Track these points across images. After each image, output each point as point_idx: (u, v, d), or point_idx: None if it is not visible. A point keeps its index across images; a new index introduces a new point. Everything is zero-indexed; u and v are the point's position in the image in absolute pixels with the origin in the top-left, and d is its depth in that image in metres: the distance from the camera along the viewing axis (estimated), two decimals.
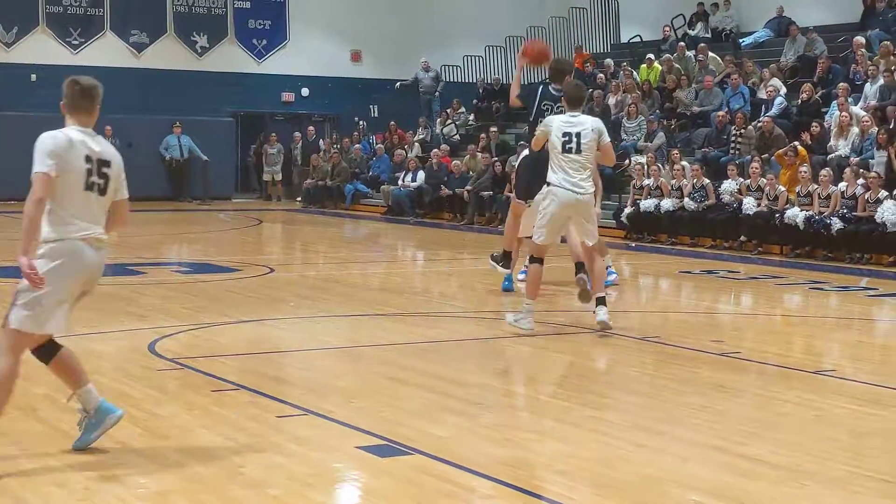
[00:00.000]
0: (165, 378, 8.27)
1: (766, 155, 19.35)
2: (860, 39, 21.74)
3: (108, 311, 11.19)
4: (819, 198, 17.29)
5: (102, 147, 6.17)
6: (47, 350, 6.16)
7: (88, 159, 6.02)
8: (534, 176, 11.08)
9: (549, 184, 10.00)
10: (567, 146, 9.82)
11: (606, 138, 10.23)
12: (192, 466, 6.03)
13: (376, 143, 29.37)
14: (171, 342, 9.67)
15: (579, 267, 11.11)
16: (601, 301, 10.31)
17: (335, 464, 6.16)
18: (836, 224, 16.68)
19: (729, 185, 18.78)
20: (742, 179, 18.78)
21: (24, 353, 6.05)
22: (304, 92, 31.73)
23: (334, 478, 6.00)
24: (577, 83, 10.78)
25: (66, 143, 5.95)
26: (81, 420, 6.25)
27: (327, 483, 5.90)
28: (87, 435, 6.22)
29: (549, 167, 10.00)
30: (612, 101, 24.90)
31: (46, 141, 5.91)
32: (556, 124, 9.98)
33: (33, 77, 28.47)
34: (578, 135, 9.85)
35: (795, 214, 17.24)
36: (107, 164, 6.13)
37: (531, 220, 10.86)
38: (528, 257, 10.40)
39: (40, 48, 28.84)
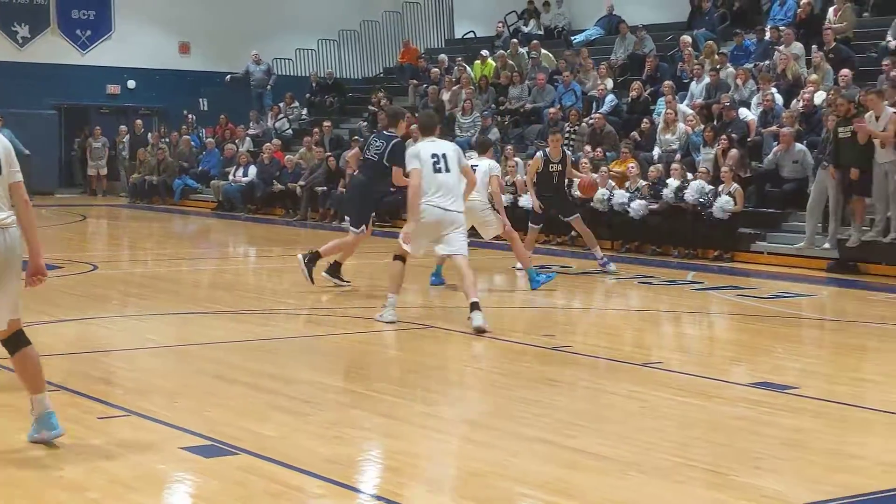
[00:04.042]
0: None
1: (600, 150, 19.71)
2: (687, 38, 22.31)
3: None
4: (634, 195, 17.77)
5: None
6: (14, 342, 6.19)
7: None
8: (365, 203, 12.01)
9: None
10: (437, 167, 10.39)
11: (465, 160, 11.05)
12: (8, 470, 5.87)
13: (206, 137, 28.99)
14: None
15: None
16: (475, 306, 10.33)
17: (158, 465, 6.04)
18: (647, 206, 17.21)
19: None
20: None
21: None
22: (131, 84, 31.18)
23: (157, 480, 5.88)
24: (429, 113, 12.57)
25: None
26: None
27: (150, 486, 5.77)
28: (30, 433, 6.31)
29: (423, 187, 10.38)
30: (445, 96, 25.06)
31: None
32: (424, 149, 10.53)
33: None
34: (444, 155, 10.48)
35: (623, 199, 17.62)
36: None
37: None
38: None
39: None
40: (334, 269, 12.82)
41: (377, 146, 12.40)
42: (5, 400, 7.42)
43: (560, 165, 14.41)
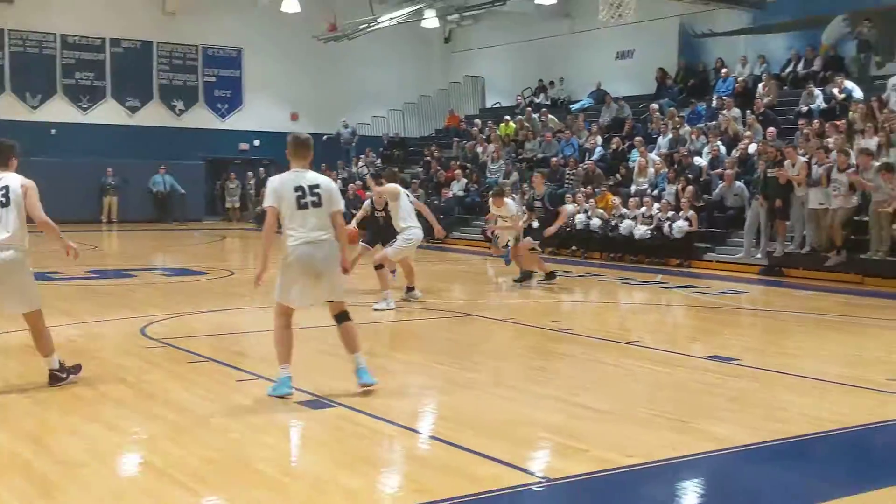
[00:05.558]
0: (153, 353, 8.10)
1: (591, 187, 19.65)
2: (654, 106, 22.21)
3: (111, 305, 10.93)
4: (626, 218, 17.65)
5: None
6: (337, 319, 6.54)
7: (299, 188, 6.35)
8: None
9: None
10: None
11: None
12: (173, 418, 5.92)
13: None
14: (157, 326, 9.48)
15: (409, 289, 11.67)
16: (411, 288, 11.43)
17: (279, 415, 6.09)
18: (638, 232, 17.10)
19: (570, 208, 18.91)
20: (576, 205, 18.95)
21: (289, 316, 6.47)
22: (256, 142, 31.38)
23: (279, 425, 5.92)
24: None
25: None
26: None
27: (274, 429, 5.81)
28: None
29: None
30: (479, 149, 25.08)
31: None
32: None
33: (53, 132, 27.71)
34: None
35: (629, 227, 17.56)
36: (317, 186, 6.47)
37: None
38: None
39: (58, 110, 28.09)
40: (525, 277, 13.36)
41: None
42: (171, 367, 7.49)
43: (384, 212, 12.69)
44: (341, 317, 6.59)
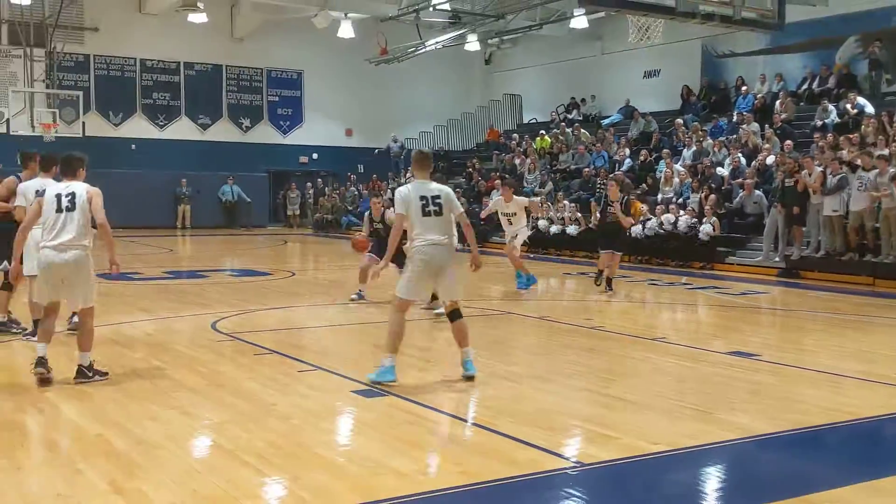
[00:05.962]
0: (223, 346, 8.19)
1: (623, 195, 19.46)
2: (679, 121, 21.99)
3: (184, 302, 11.06)
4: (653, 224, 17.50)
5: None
6: (451, 316, 6.75)
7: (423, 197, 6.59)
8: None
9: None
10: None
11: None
12: (240, 405, 5.98)
13: (362, 190, 29.33)
14: (227, 322, 9.58)
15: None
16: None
17: (336, 403, 6.13)
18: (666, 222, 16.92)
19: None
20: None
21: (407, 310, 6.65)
22: (315, 156, 31.60)
23: (336, 412, 5.96)
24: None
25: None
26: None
27: (331, 416, 5.86)
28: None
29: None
30: (517, 161, 25.02)
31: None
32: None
33: (133, 147, 28.18)
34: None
35: (640, 231, 17.45)
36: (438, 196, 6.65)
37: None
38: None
39: (138, 127, 28.54)
40: (608, 282, 12.83)
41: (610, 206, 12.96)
42: (238, 359, 7.56)
43: (381, 224, 11.61)
44: (455, 314, 6.78)
